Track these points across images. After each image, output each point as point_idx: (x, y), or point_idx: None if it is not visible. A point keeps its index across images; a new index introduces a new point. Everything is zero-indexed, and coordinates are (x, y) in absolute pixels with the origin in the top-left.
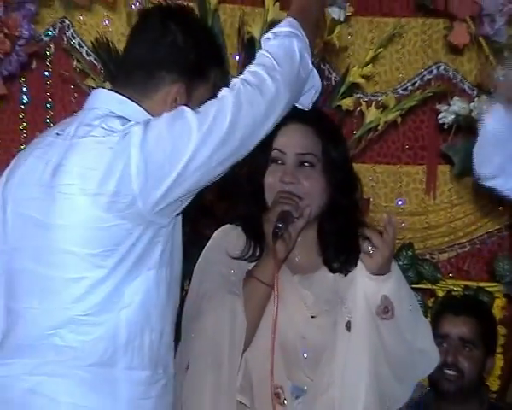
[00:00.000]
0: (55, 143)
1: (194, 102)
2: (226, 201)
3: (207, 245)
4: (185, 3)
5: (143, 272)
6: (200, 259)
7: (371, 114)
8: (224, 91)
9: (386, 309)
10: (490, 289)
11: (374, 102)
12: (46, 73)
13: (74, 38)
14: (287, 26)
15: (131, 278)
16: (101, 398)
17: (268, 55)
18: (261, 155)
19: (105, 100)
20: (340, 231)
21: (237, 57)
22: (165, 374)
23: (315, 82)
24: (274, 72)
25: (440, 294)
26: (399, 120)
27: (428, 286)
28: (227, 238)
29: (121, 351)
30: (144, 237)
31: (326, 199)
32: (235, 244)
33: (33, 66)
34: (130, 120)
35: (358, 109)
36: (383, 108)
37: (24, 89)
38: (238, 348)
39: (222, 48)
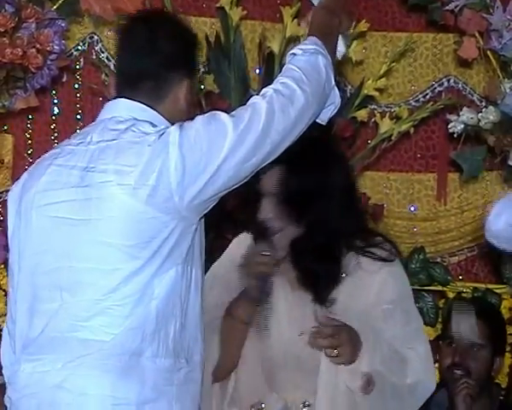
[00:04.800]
0: (77, 150)
1: (193, 97)
2: (245, 206)
3: (224, 253)
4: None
5: (173, 265)
6: (214, 264)
7: (385, 125)
8: (255, 98)
9: (368, 381)
10: (497, 290)
11: (387, 114)
12: (76, 86)
13: (103, 52)
14: (312, 44)
15: (162, 271)
16: (129, 385)
17: (297, 69)
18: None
19: (126, 108)
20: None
21: (257, 70)
22: (188, 364)
23: (335, 98)
24: (303, 84)
25: (450, 295)
26: (412, 130)
27: (439, 288)
28: (239, 246)
29: (148, 340)
30: (176, 230)
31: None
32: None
33: (64, 79)
34: (156, 125)
35: (373, 120)
36: (396, 118)
37: (55, 101)
38: (207, 380)
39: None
